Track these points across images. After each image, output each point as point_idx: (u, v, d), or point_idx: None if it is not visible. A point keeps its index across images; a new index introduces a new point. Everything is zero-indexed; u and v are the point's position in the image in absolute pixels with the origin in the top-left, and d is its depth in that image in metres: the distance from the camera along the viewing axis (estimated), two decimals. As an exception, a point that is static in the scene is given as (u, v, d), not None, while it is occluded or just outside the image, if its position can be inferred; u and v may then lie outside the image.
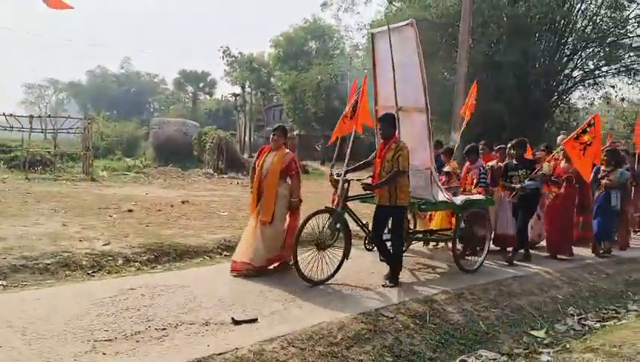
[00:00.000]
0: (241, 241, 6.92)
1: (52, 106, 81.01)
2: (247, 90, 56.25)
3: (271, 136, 7.10)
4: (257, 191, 6.88)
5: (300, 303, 5.66)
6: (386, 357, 4.87)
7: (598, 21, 25.28)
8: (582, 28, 25.65)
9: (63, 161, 25.06)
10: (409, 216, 8.17)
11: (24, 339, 4.29)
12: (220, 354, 4.26)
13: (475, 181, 8.41)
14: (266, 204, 6.76)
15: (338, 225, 6.50)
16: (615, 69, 26.29)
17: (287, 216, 6.97)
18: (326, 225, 6.44)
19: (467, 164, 8.81)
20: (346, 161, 7.43)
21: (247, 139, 53.27)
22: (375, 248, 7.06)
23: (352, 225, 6.78)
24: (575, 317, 6.80)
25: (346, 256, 6.58)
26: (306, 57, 47.99)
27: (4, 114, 21.50)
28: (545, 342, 5.97)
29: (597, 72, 26.90)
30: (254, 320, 5.04)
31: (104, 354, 4.15)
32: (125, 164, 28.78)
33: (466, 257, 7.95)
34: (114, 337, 4.47)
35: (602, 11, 25.08)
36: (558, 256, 9.15)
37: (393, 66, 7.07)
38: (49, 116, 25.72)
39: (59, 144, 25.21)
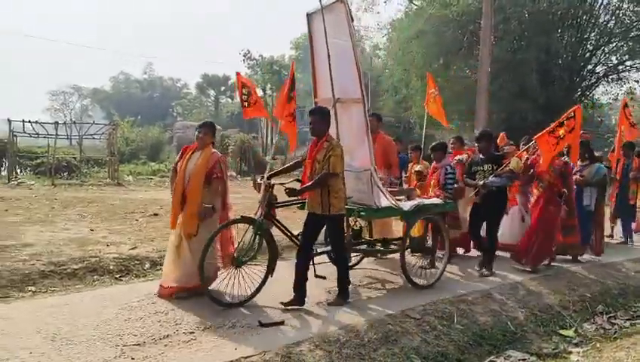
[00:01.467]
0: (165, 261, 5.98)
1: (77, 113, 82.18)
2: (269, 92, 56.44)
3: (196, 133, 6.10)
4: (179, 199, 5.85)
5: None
6: (413, 358, 4.83)
7: (621, 15, 24.77)
8: (604, 23, 25.16)
9: (89, 167, 25.45)
10: (362, 223, 7.31)
11: (53, 345, 4.36)
12: (247, 357, 4.28)
13: (442, 182, 7.42)
14: (189, 213, 5.75)
15: (258, 238, 5.60)
16: (639, 63, 25.77)
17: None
18: (246, 239, 5.63)
19: (433, 163, 7.90)
20: (269, 157, 6.97)
21: (269, 141, 53.41)
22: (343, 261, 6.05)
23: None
24: (604, 316, 6.68)
25: (270, 272, 5.64)
26: (326, 58, 47.97)
27: (29, 121, 21.88)
28: (574, 341, 5.88)
29: (620, 67, 26.33)
30: (281, 323, 5.04)
31: (132, 359, 4.20)
32: (150, 169, 29.12)
33: (427, 269, 6.96)
34: (142, 341, 4.52)
35: (625, 5, 24.58)
36: (519, 265, 7.79)
37: (328, 52, 6.06)
38: (74, 122, 26.09)
39: (84, 150, 25.57)
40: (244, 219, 5.74)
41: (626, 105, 11.30)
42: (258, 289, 5.60)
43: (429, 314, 5.62)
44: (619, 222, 11.09)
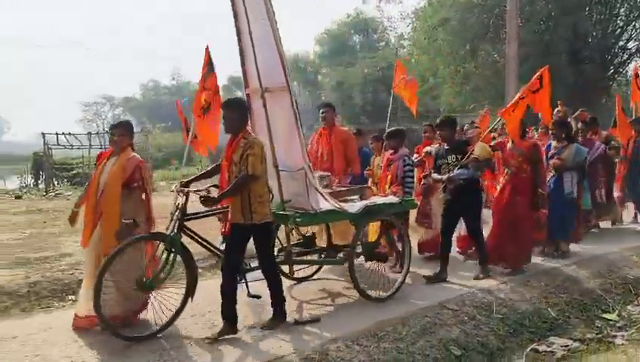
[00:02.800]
0: (82, 287, 5.10)
1: (109, 122, 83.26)
2: (294, 90, 56.69)
3: (109, 136, 5.36)
4: (92, 214, 5.01)
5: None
6: (452, 349, 4.79)
7: (652, -12, 24.08)
8: (634, -3, 24.49)
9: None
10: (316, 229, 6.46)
11: (92, 353, 4.45)
12: (284, 355, 4.29)
13: (399, 176, 6.50)
14: (107, 230, 4.87)
15: (172, 256, 4.75)
16: (672, 36, 24.99)
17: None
18: (162, 256, 4.80)
19: (387, 153, 6.89)
20: (184, 161, 6.48)
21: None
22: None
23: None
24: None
25: (189, 295, 4.86)
26: (351, 52, 47.76)
27: (62, 133, 22.40)
28: (618, 324, 5.74)
29: (654, 41, 25.61)
30: (317, 321, 5.04)
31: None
32: (181, 174, 29.46)
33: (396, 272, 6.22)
34: (186, 343, 4.60)
35: (656, -24, 23.86)
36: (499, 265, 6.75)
37: (250, 33, 5.18)
38: (106, 132, 26.63)
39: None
40: (152, 236, 4.94)
41: (637, 75, 10.23)
42: (175, 316, 4.82)
43: (467, 305, 5.55)
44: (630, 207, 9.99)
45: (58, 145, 22.73)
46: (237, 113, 4.83)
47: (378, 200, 5.97)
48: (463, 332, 5.07)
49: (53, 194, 19.59)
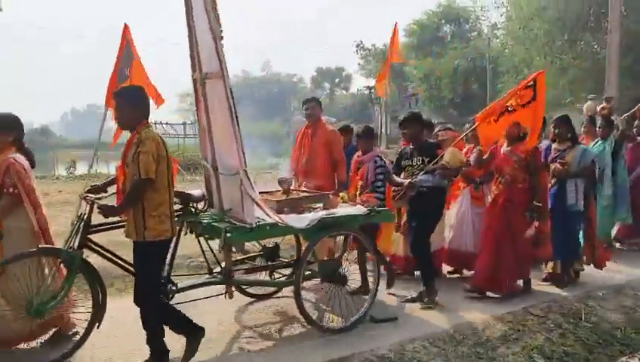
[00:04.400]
0: None
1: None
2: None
3: None
4: None
5: None
6: (535, 358, 4.61)
7: None
8: None
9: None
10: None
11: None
12: (359, 352, 4.30)
13: (370, 180, 5.60)
14: None
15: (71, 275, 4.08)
16: None
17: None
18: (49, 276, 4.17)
19: (356, 155, 5.96)
20: (93, 161, 5.63)
21: (383, 130, 53.32)
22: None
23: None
24: None
25: (95, 321, 4.13)
26: (440, 43, 46.74)
27: (160, 122, 23.54)
28: None
29: None
30: (394, 319, 5.01)
31: (249, 351, 4.41)
32: (268, 163, 30.18)
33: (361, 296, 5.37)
34: (262, 333, 4.72)
35: None
36: (488, 294, 5.73)
37: (191, 12, 4.50)
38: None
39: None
40: (44, 250, 4.15)
41: None
42: (77, 346, 4.13)
43: (554, 312, 5.32)
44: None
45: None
46: (129, 103, 4.02)
47: (339, 211, 5.04)
48: (549, 341, 4.85)
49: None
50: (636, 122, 8.19)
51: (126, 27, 6.61)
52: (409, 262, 6.14)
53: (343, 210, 5.10)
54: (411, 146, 5.71)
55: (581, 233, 6.39)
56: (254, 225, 4.37)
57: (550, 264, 6.21)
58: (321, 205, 5.22)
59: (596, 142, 7.51)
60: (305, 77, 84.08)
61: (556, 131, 6.31)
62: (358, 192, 5.69)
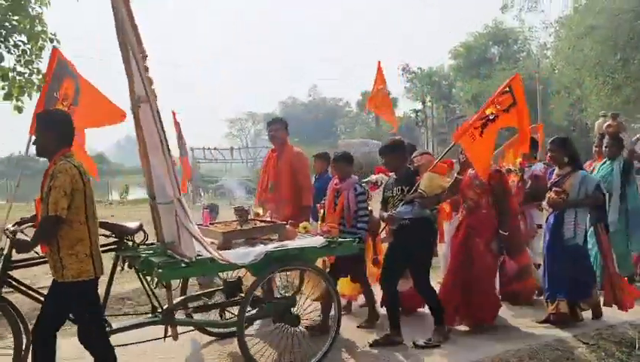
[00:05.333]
0: None
1: (251, 137, 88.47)
2: (428, 104, 55.96)
3: None
4: None
5: None
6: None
7: None
8: None
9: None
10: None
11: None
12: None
13: (352, 209, 5.23)
14: None
15: None
16: None
17: None
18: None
19: (334, 182, 5.55)
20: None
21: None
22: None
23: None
24: None
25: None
26: (488, 64, 46.35)
27: (209, 148, 24.15)
28: None
29: None
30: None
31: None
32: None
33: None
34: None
35: None
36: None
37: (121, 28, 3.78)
38: (247, 147, 28.32)
39: (258, 171, 27.60)
40: None
41: None
42: None
43: (605, 339, 5.08)
44: None
45: (205, 159, 24.61)
46: (43, 127, 3.64)
47: (292, 243, 4.60)
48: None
49: (199, 203, 21.14)
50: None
51: (54, 51, 5.75)
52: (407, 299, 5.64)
53: (297, 242, 4.65)
54: (394, 176, 5.30)
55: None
56: (192, 260, 3.94)
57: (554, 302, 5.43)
58: (273, 237, 4.84)
59: (604, 163, 6.73)
60: (351, 100, 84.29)
61: (551, 155, 5.61)
62: (339, 221, 5.27)
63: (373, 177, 6.22)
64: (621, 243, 6.46)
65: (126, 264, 4.35)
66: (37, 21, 7.97)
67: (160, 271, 3.88)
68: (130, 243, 4.43)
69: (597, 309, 5.52)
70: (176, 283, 4.68)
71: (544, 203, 5.68)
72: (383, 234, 5.76)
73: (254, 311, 4.60)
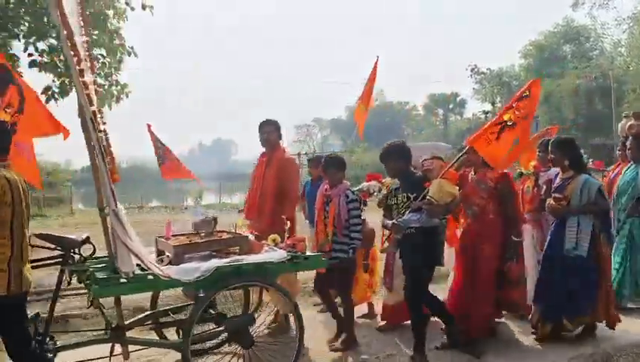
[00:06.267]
0: None
1: (318, 143, 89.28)
2: (498, 105, 54.72)
3: None
4: None
5: None
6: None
7: None
8: None
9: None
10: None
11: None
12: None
13: (343, 218, 4.92)
14: None
15: None
16: None
17: None
18: None
19: (324, 187, 5.20)
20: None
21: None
22: None
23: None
24: None
25: None
26: (559, 63, 44.91)
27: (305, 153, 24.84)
28: None
29: None
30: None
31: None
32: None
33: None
34: None
35: None
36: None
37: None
38: (314, 152, 28.80)
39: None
40: None
41: None
42: None
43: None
44: None
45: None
46: None
47: (248, 258, 4.23)
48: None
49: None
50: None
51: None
52: (396, 312, 5.41)
53: (254, 257, 4.30)
54: (397, 182, 4.95)
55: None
56: (130, 276, 3.71)
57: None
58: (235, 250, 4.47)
59: (629, 167, 6.23)
60: (418, 104, 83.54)
61: (551, 158, 5.21)
62: (329, 232, 4.95)
63: (364, 185, 5.81)
64: None
65: (74, 278, 4.08)
66: (115, 35, 8.62)
67: (96, 287, 3.73)
68: (77, 256, 4.06)
69: (592, 328, 5.10)
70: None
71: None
72: (385, 244, 5.44)
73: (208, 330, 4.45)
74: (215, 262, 4.00)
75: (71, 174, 35.69)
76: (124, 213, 3.72)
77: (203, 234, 4.57)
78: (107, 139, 3.83)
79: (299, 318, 4.30)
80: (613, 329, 5.05)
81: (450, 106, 76.14)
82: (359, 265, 5.42)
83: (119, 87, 8.77)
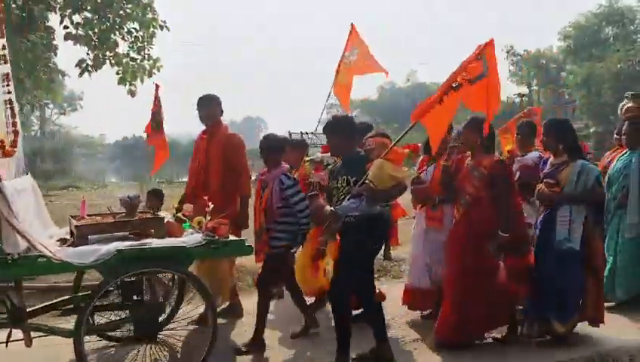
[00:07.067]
0: None
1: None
2: (534, 88, 53.47)
3: None
4: None
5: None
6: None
7: None
8: None
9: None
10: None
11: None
12: None
13: (275, 205, 4.49)
14: None
15: None
16: None
17: None
18: None
19: (259, 172, 4.87)
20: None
21: (536, 139, 50.73)
22: None
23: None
24: None
25: None
26: (601, 46, 43.49)
27: (306, 132, 24.49)
28: None
29: None
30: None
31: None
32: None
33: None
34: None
35: None
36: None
37: None
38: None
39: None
40: None
41: None
42: None
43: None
44: None
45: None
46: None
47: (156, 242, 3.88)
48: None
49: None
50: None
51: None
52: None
53: (162, 241, 3.94)
54: (340, 162, 4.41)
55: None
56: (14, 258, 3.46)
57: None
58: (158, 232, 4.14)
59: (623, 154, 5.80)
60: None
61: (543, 141, 4.85)
62: (263, 219, 4.56)
63: (318, 155, 5.33)
64: (635, 252, 5.51)
65: None
66: (148, 9, 8.51)
67: None
68: None
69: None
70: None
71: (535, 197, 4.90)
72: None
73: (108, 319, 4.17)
74: (116, 245, 3.67)
75: None
76: (16, 189, 3.51)
77: (120, 216, 4.24)
78: (12, 109, 3.65)
79: (213, 311, 3.99)
80: (597, 326, 4.70)
81: (485, 88, 75.01)
82: (307, 252, 5.07)
83: (151, 62, 8.68)
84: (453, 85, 4.10)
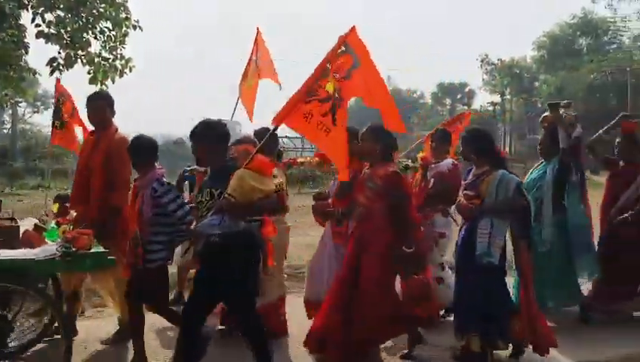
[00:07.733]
0: None
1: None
2: (507, 97, 54.26)
3: None
4: None
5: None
6: None
7: None
8: None
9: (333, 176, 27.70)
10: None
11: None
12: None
13: (146, 215, 3.92)
14: None
15: None
16: None
17: None
18: None
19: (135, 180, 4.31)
20: None
21: (507, 148, 51.43)
22: None
23: None
24: None
25: None
26: (574, 56, 44.38)
27: (286, 136, 24.54)
28: None
29: None
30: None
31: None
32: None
33: None
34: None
35: None
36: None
37: None
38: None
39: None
40: None
41: None
42: None
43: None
44: None
45: (282, 147, 25.36)
46: None
47: (3, 253, 3.52)
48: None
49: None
50: (617, 139, 5.74)
51: None
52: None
53: (15, 252, 3.57)
54: (210, 170, 3.96)
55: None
56: None
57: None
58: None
59: (539, 165, 5.64)
60: (426, 92, 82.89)
61: (462, 151, 4.59)
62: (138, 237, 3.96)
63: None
64: (560, 269, 5.33)
65: None
66: (122, 9, 8.41)
67: None
68: None
69: (519, 346, 4.31)
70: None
71: (452, 208, 4.64)
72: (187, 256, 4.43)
73: None
74: None
75: None
76: None
77: None
78: None
79: (64, 328, 3.71)
80: (544, 356, 4.21)
81: (459, 96, 75.66)
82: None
83: (123, 61, 8.60)
84: (336, 96, 3.68)
